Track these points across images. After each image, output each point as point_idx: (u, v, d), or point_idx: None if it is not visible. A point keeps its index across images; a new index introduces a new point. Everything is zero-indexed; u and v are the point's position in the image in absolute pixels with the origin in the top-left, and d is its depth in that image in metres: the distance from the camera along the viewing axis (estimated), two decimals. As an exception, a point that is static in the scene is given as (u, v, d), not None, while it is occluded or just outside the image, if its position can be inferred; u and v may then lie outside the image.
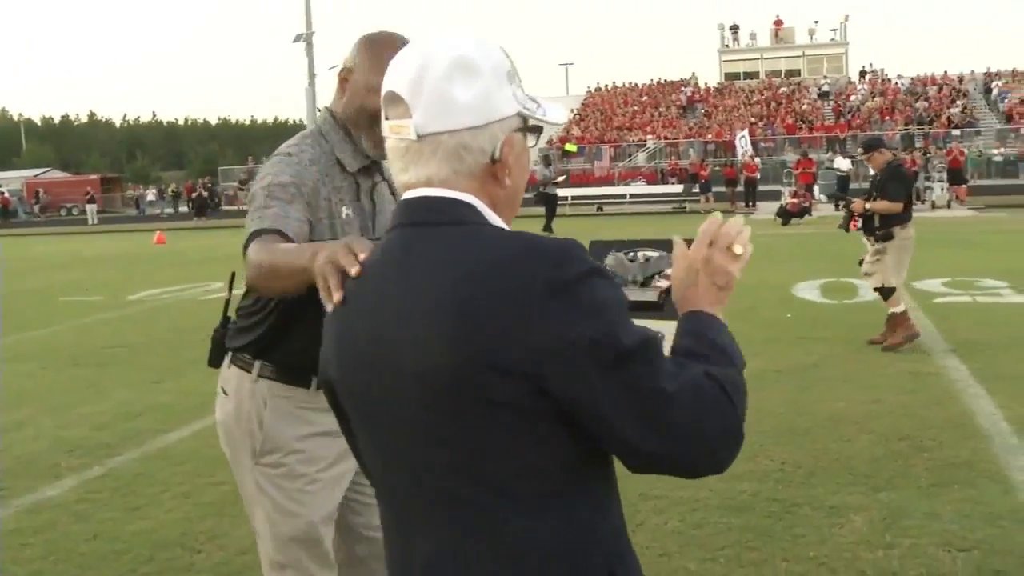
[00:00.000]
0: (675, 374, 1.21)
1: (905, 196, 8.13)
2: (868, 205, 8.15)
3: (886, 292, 8.04)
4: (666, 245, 1.62)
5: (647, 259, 1.66)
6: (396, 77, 1.29)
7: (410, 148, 1.28)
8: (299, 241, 2.19)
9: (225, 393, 2.56)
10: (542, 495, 1.22)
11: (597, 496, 1.28)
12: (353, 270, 1.33)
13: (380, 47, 2.31)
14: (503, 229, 1.27)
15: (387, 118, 1.31)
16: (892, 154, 8.50)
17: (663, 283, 1.61)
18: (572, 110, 49.78)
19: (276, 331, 2.45)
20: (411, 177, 1.30)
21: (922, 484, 4.63)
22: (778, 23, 59.75)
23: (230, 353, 2.55)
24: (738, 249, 1.37)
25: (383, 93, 1.31)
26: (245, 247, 2.19)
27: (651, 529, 4.21)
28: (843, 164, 31.44)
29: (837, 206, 20.03)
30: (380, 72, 2.33)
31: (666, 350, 1.39)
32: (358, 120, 2.39)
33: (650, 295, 1.60)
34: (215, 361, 2.61)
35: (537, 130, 1.35)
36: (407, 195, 1.31)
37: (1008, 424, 5.56)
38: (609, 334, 1.16)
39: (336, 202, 2.38)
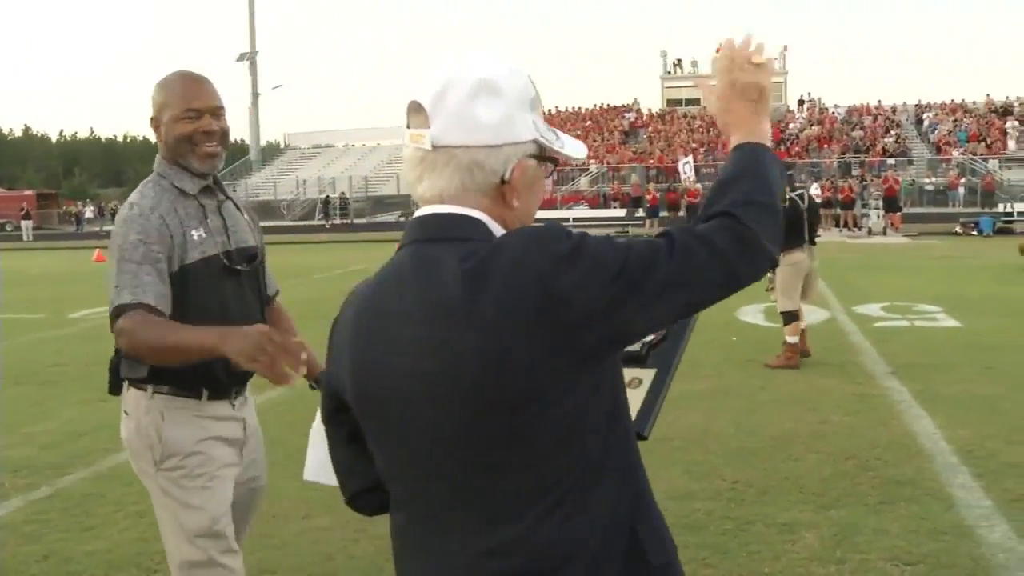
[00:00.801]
0: (674, 242, 1.32)
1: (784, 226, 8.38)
2: None
3: (786, 318, 8.43)
4: None
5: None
6: (421, 88, 1.34)
7: (425, 158, 1.34)
8: (165, 307, 2.50)
9: (127, 413, 2.73)
10: (566, 490, 1.28)
11: (618, 482, 1.34)
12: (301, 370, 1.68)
13: (171, 86, 2.68)
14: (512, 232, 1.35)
15: (408, 126, 1.37)
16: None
17: (649, 337, 1.67)
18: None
19: None
20: (425, 188, 1.35)
21: (870, 501, 4.78)
22: (719, 49, 60.74)
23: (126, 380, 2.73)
24: (758, 59, 1.49)
25: (408, 103, 1.37)
26: (114, 317, 2.47)
27: (609, 546, 4.27)
28: (814, 190, 32.08)
29: None
30: (181, 102, 2.61)
31: (637, 399, 1.56)
32: (179, 148, 2.65)
33: (634, 347, 1.65)
34: (114, 389, 2.78)
35: (552, 161, 1.41)
36: (420, 212, 1.37)
37: (948, 444, 5.76)
38: (613, 276, 1.25)
39: (187, 227, 2.63)
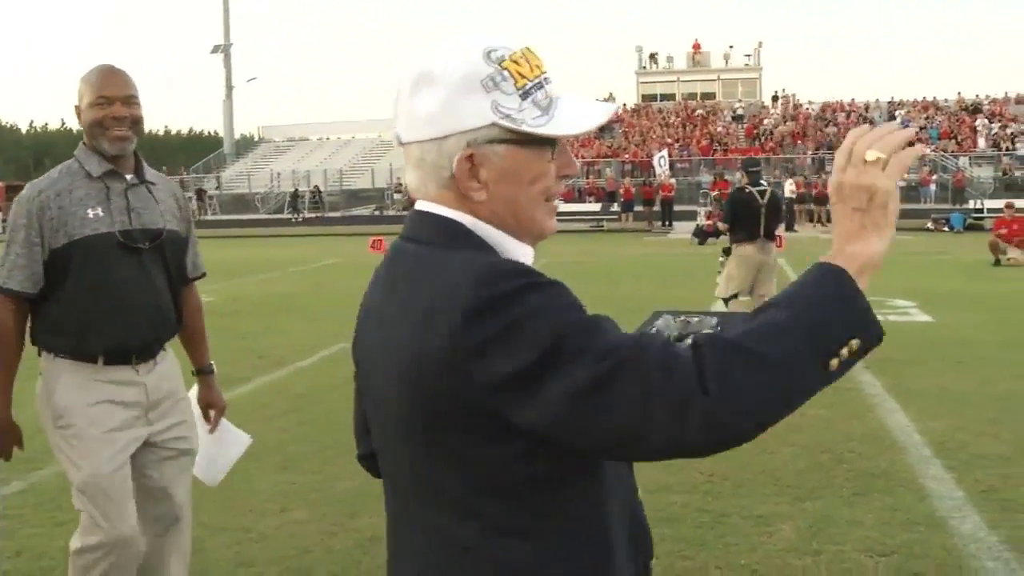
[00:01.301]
0: (609, 353, 1.12)
1: (731, 218, 9.15)
2: (719, 224, 9.22)
3: (724, 303, 8.75)
4: (719, 314, 1.60)
5: (692, 321, 1.59)
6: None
7: (404, 153, 1.33)
8: (33, 287, 2.94)
9: (40, 374, 3.08)
10: (510, 515, 1.22)
11: (573, 521, 1.25)
12: None
13: (89, 76, 2.98)
14: (473, 254, 1.23)
15: None
16: (746, 178, 9.36)
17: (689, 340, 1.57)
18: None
19: (61, 324, 2.98)
20: (407, 181, 1.35)
21: (844, 493, 4.83)
22: (696, 46, 61.15)
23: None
24: (870, 156, 1.18)
25: None
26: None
27: (587, 539, 4.29)
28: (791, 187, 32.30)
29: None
30: (94, 91, 2.88)
31: None
32: (93, 132, 2.96)
33: None
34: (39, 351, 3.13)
35: (540, 142, 1.27)
36: (415, 206, 1.35)
37: (920, 436, 5.83)
38: (522, 359, 1.12)
39: (83, 206, 2.92)
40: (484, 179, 1.26)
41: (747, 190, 9.03)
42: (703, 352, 1.10)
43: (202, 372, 3.43)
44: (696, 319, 1.58)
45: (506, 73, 1.25)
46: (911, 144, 1.20)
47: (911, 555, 4.04)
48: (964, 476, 5.03)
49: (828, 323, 1.14)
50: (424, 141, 1.26)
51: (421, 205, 1.32)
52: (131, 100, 2.99)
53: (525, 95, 1.25)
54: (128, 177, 3.05)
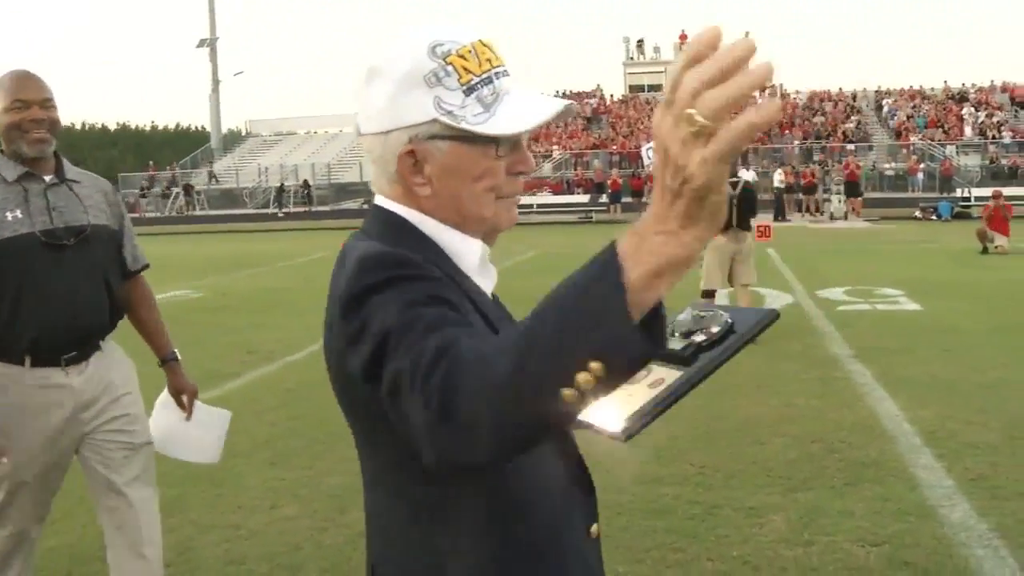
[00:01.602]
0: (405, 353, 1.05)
1: None
2: None
3: (704, 295, 8.97)
4: (733, 309, 1.46)
5: (701, 316, 1.50)
6: None
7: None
8: None
9: None
10: (435, 498, 1.24)
11: (495, 503, 1.24)
12: None
13: (3, 82, 2.99)
14: (370, 244, 1.23)
15: None
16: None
17: (699, 337, 1.41)
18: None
19: None
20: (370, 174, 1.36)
21: (835, 484, 4.83)
22: (683, 37, 61.08)
23: None
24: (691, 121, 0.79)
25: None
26: None
27: (579, 532, 4.27)
28: (748, 176, 32.34)
29: None
30: (10, 95, 2.89)
31: (643, 400, 1.29)
32: (11, 136, 2.98)
33: (677, 344, 1.41)
34: None
35: (483, 139, 1.24)
36: (374, 200, 1.36)
37: (910, 425, 5.83)
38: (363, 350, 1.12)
39: (2, 210, 2.93)
40: (428, 174, 1.26)
41: None
42: (446, 360, 0.98)
43: (166, 361, 3.52)
44: (710, 313, 1.50)
45: (450, 68, 1.23)
46: (762, 92, 0.83)
47: (902, 544, 4.04)
48: (954, 464, 5.04)
49: (570, 333, 0.88)
50: (373, 135, 1.28)
51: (376, 199, 1.34)
52: (48, 103, 3.01)
53: (469, 91, 1.23)
54: (47, 178, 3.06)
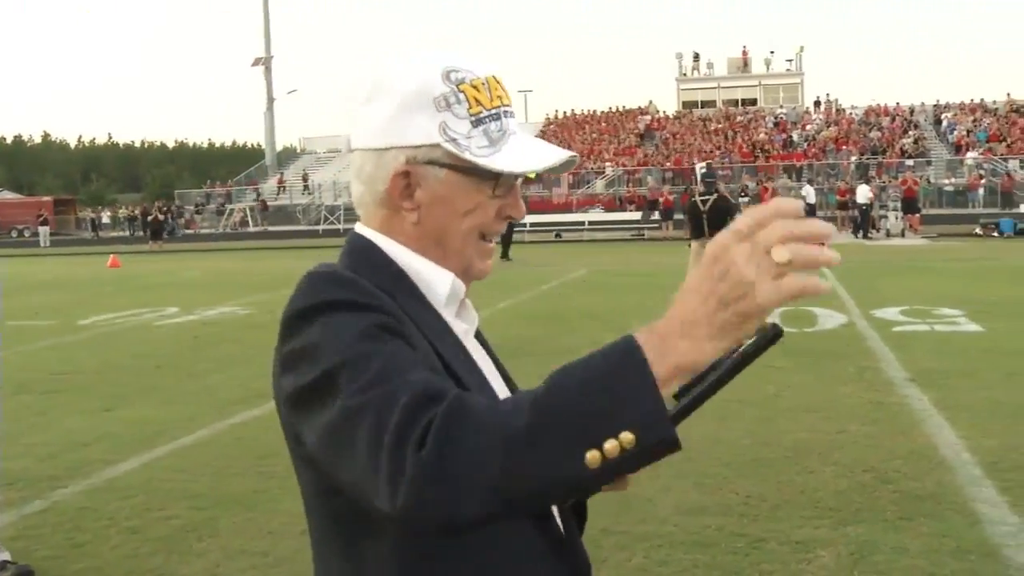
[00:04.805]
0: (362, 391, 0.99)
1: (686, 221, 12.91)
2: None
3: None
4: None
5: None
6: None
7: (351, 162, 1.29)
8: None
9: None
10: (353, 544, 1.14)
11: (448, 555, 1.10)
12: None
13: None
14: (321, 264, 1.19)
15: None
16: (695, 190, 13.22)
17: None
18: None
19: None
20: (352, 192, 1.29)
21: (889, 517, 4.58)
22: (744, 53, 60.68)
23: None
24: (779, 255, 0.87)
25: None
26: None
27: (615, 566, 4.10)
28: (810, 193, 31.87)
29: None
30: None
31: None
32: None
33: None
34: None
35: (482, 174, 1.19)
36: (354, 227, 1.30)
37: (970, 455, 5.55)
38: (298, 377, 1.06)
39: None
40: (418, 200, 1.20)
41: (694, 198, 11.76)
42: (446, 404, 0.93)
43: None
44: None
45: (462, 96, 1.19)
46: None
47: (961, 585, 3.80)
48: (1020, 500, 4.75)
49: (601, 408, 0.89)
50: (366, 150, 1.22)
51: (357, 227, 1.27)
52: None
53: (477, 123, 1.19)
54: None
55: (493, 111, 1.20)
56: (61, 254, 37.62)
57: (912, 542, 4.25)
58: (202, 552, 4.47)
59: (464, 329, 1.26)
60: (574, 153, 1.24)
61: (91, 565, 4.37)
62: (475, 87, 1.20)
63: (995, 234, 28.41)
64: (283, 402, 1.11)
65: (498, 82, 1.23)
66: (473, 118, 1.19)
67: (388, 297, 1.13)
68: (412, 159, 1.18)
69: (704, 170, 31.33)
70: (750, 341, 1.08)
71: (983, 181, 37.54)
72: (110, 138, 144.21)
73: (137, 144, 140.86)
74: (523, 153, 1.20)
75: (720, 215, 11.49)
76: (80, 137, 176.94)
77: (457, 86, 1.19)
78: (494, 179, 1.20)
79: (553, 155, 1.22)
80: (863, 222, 29.56)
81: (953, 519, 4.53)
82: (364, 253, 1.22)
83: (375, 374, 0.99)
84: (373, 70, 1.24)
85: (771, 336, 1.09)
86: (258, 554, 4.43)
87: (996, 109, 46.80)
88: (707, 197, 11.46)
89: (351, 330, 1.04)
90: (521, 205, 1.26)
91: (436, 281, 1.22)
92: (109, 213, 57.06)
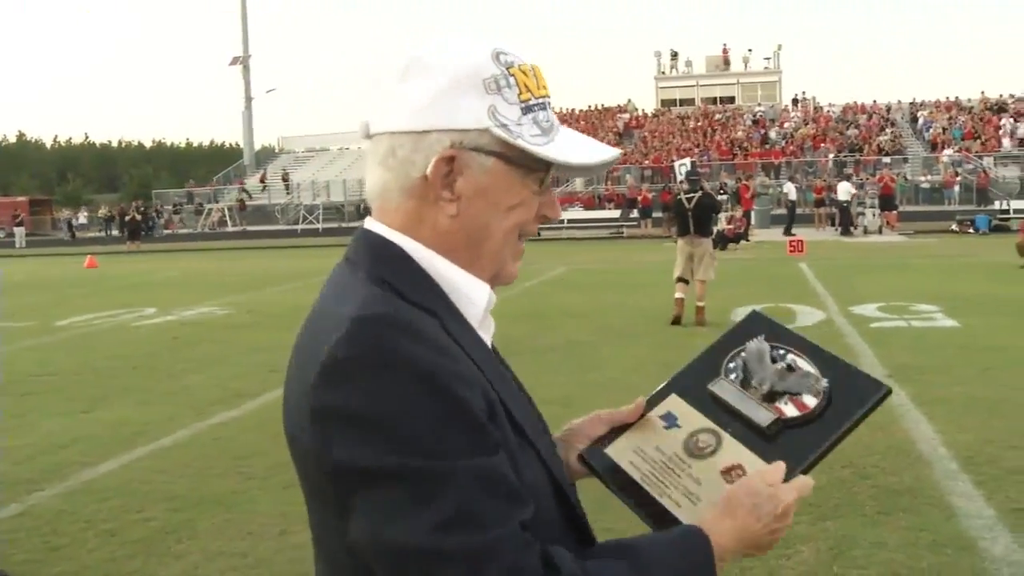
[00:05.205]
0: (457, 528, 0.94)
1: (671, 217, 14.22)
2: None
3: (678, 280, 11.33)
4: (830, 364, 1.27)
5: (791, 369, 1.27)
6: None
7: (367, 150, 1.15)
8: None
9: None
10: None
11: None
12: None
13: None
14: (372, 292, 1.05)
15: None
16: (678, 188, 13.87)
17: (789, 409, 1.22)
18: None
19: None
20: (367, 184, 1.16)
21: (867, 512, 4.61)
22: (725, 51, 60.86)
23: None
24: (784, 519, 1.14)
25: None
26: None
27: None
28: (792, 191, 32.00)
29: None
30: None
31: (709, 488, 1.19)
32: None
33: (761, 417, 1.22)
34: None
35: (532, 165, 1.10)
36: (364, 223, 1.17)
37: (947, 449, 5.59)
38: (354, 453, 0.96)
39: None
40: (459, 191, 1.08)
41: (679, 195, 11.90)
42: None
43: None
44: (791, 364, 1.27)
45: (512, 80, 1.09)
46: None
47: (939, 579, 3.83)
48: (994, 493, 4.80)
49: None
50: (399, 132, 1.08)
51: (368, 223, 1.15)
52: None
53: (527, 110, 1.10)
54: None
55: (540, 100, 1.12)
56: (37, 255, 37.27)
57: (890, 536, 4.28)
58: (181, 554, 4.44)
59: (489, 340, 1.17)
60: (620, 151, 1.18)
61: (68, 569, 4.33)
62: (524, 72, 1.11)
63: (971, 231, 28.64)
64: (329, 461, 0.98)
65: (540, 72, 1.14)
66: (523, 105, 1.10)
67: (432, 319, 1.04)
68: (458, 143, 1.07)
69: (687, 168, 31.47)
70: (856, 402, 1.22)
71: (959, 178, 37.83)
72: (86, 138, 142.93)
73: (114, 144, 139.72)
74: (574, 146, 1.12)
75: (705, 212, 11.65)
76: (56, 137, 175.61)
77: (507, 68, 1.09)
78: (543, 172, 1.12)
79: (602, 151, 1.14)
80: (845, 219, 29.72)
81: (930, 513, 4.57)
82: (397, 263, 1.10)
83: (463, 513, 0.94)
84: (406, 49, 1.12)
85: (881, 397, 1.23)
86: (237, 555, 4.41)
87: (971, 107, 47.16)
88: (692, 195, 11.56)
89: (433, 417, 0.96)
90: (558, 204, 1.18)
91: (474, 295, 1.12)
92: (86, 213, 56.54)
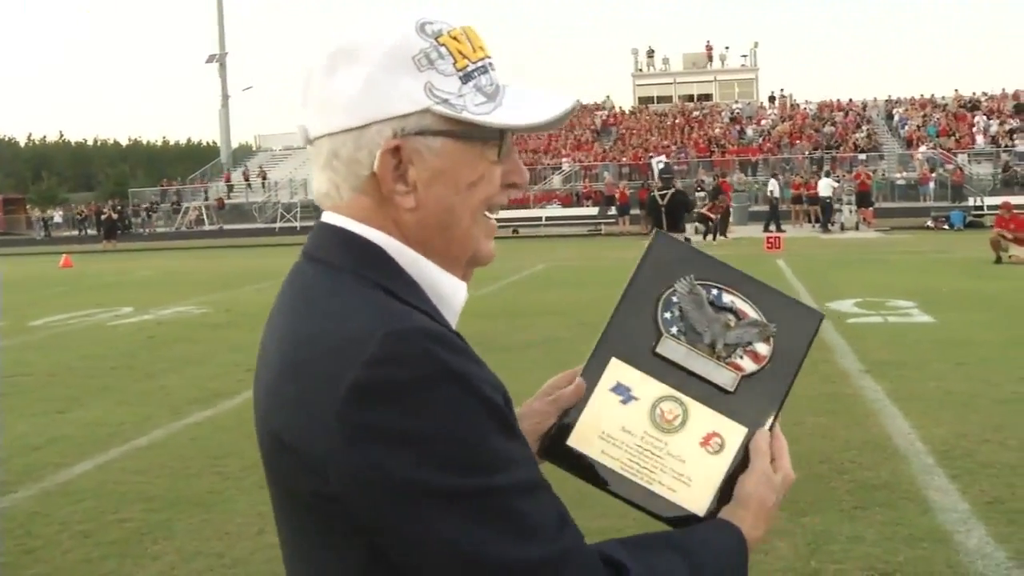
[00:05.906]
0: (543, 537, 0.93)
1: (646, 214, 14.35)
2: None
3: None
4: (765, 297, 1.23)
5: (736, 316, 1.21)
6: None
7: (312, 154, 1.07)
8: None
9: None
10: None
11: None
12: None
13: None
14: (380, 301, 0.97)
15: None
16: (653, 186, 14.61)
17: (747, 363, 1.20)
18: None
19: None
20: (314, 187, 1.08)
21: (844, 507, 4.64)
22: (709, 48, 61.08)
23: None
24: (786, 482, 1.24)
25: None
26: None
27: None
28: (776, 187, 32.18)
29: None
30: None
31: (726, 460, 1.17)
32: None
33: (724, 378, 1.19)
34: None
35: (484, 136, 1.03)
36: (321, 217, 1.09)
37: (923, 444, 5.64)
38: (425, 469, 0.89)
39: None
40: (413, 180, 1.01)
41: (653, 193, 12.36)
42: None
43: None
44: (734, 312, 1.21)
45: (443, 50, 1.01)
46: None
47: (915, 573, 3.85)
48: (969, 486, 4.84)
49: None
50: (337, 133, 1.01)
51: (328, 217, 1.06)
52: None
53: (466, 78, 1.02)
54: None
55: (479, 63, 1.04)
56: (11, 254, 36.89)
57: (867, 531, 4.31)
58: (157, 555, 4.41)
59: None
60: (576, 97, 1.09)
61: (43, 571, 4.28)
62: (455, 38, 1.03)
63: (946, 227, 28.91)
64: (386, 483, 0.90)
65: (475, 32, 1.06)
66: (461, 73, 1.02)
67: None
68: (400, 131, 1.00)
69: (661, 165, 31.63)
70: (798, 338, 1.23)
71: (934, 175, 38.14)
72: (61, 136, 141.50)
73: (89, 142, 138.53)
74: (525, 105, 1.05)
75: (678, 209, 12.04)
76: (30, 135, 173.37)
77: (436, 39, 1.01)
78: (498, 140, 1.04)
79: (557, 102, 1.06)
80: (825, 214, 29.92)
81: (906, 507, 4.60)
82: (380, 263, 1.03)
83: (536, 522, 0.93)
84: (328, 40, 1.04)
85: (817, 325, 1.24)
86: (214, 555, 4.38)
87: (945, 104, 47.56)
88: (665, 191, 11.94)
89: (487, 429, 0.93)
90: (523, 168, 1.11)
91: (452, 294, 1.07)
92: (61, 212, 56.03)
